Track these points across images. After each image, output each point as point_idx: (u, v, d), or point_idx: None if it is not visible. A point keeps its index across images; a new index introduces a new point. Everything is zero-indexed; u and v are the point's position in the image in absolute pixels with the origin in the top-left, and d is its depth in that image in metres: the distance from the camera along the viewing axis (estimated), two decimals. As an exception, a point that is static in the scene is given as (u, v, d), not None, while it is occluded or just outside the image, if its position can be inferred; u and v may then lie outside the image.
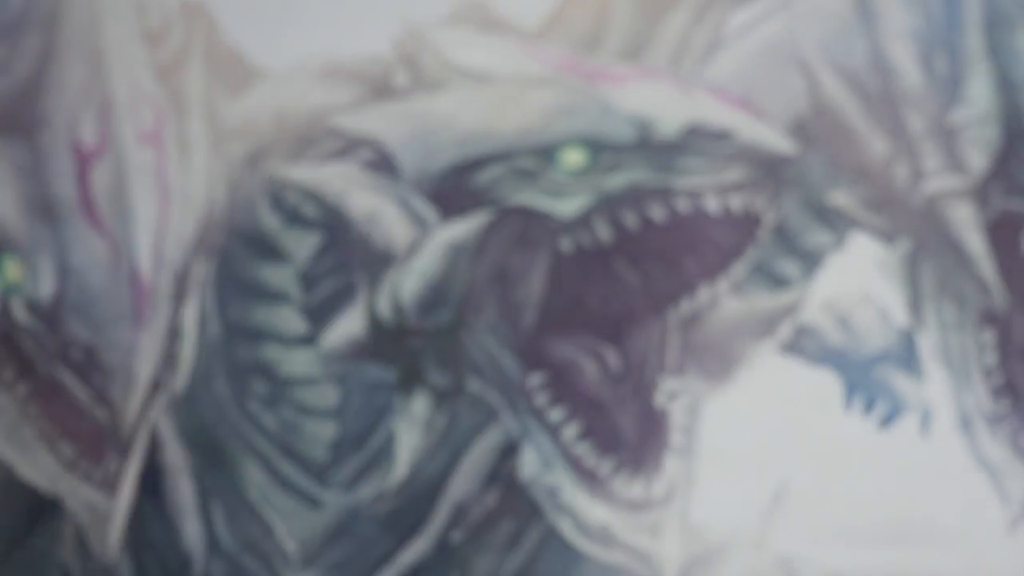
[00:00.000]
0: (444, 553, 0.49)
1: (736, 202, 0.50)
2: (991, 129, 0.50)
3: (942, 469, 0.49)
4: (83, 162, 0.49)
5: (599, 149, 0.48)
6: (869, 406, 0.49)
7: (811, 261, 0.50)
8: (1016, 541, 0.49)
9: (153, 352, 0.49)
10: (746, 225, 0.49)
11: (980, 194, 0.50)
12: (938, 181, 0.50)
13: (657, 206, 0.49)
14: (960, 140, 0.50)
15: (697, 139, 0.50)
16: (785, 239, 0.50)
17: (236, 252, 0.49)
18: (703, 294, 0.49)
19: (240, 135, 0.49)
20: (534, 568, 0.48)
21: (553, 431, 0.48)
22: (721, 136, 0.50)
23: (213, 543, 0.50)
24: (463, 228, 0.48)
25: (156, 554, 0.50)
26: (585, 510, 0.47)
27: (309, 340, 0.49)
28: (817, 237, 0.50)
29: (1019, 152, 0.50)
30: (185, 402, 0.49)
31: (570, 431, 0.48)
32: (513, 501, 0.48)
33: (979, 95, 0.50)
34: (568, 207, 0.48)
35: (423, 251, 0.48)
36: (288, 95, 0.49)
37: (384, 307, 0.48)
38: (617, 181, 0.48)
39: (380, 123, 0.48)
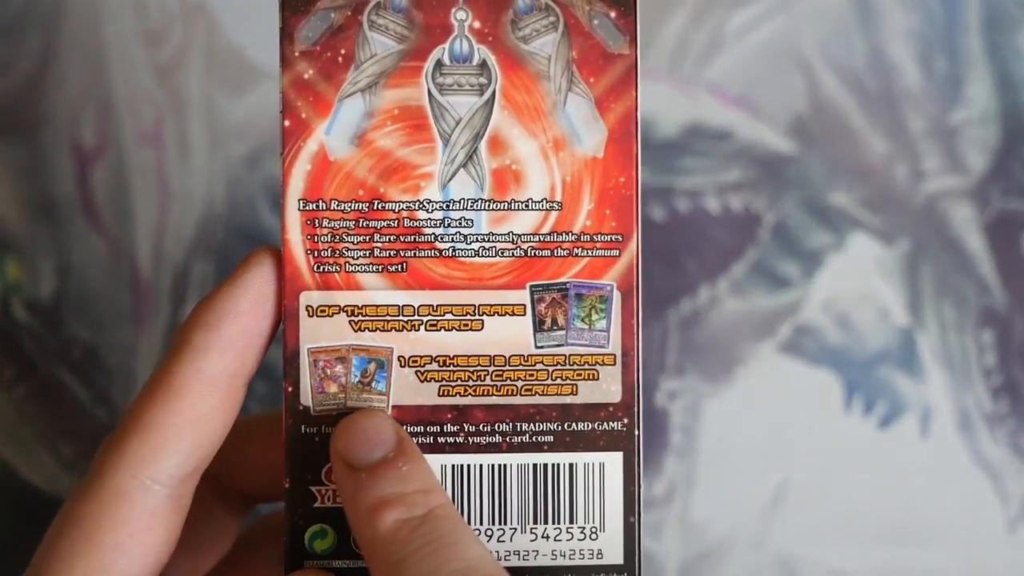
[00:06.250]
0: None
1: (736, 202, 0.50)
2: (991, 129, 0.50)
3: (942, 469, 0.49)
4: (83, 162, 0.48)
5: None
6: (869, 406, 0.49)
7: (811, 261, 0.50)
8: (1016, 541, 0.49)
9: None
10: (746, 225, 0.50)
11: (980, 194, 0.50)
12: (938, 181, 0.50)
13: (657, 206, 0.49)
14: (960, 140, 0.50)
15: (697, 139, 0.50)
16: (785, 239, 0.50)
17: (236, 252, 0.49)
18: (703, 294, 0.50)
19: (240, 135, 0.49)
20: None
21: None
22: (721, 136, 0.50)
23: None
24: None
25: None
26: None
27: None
28: (817, 237, 0.50)
29: (1019, 152, 0.50)
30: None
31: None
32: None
33: (979, 95, 0.50)
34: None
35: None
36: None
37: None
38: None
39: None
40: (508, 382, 0.33)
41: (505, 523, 0.33)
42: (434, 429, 0.33)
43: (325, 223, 0.32)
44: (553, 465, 0.33)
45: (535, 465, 0.33)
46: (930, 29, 0.50)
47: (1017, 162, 0.50)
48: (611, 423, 0.33)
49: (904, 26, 0.50)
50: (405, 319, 0.32)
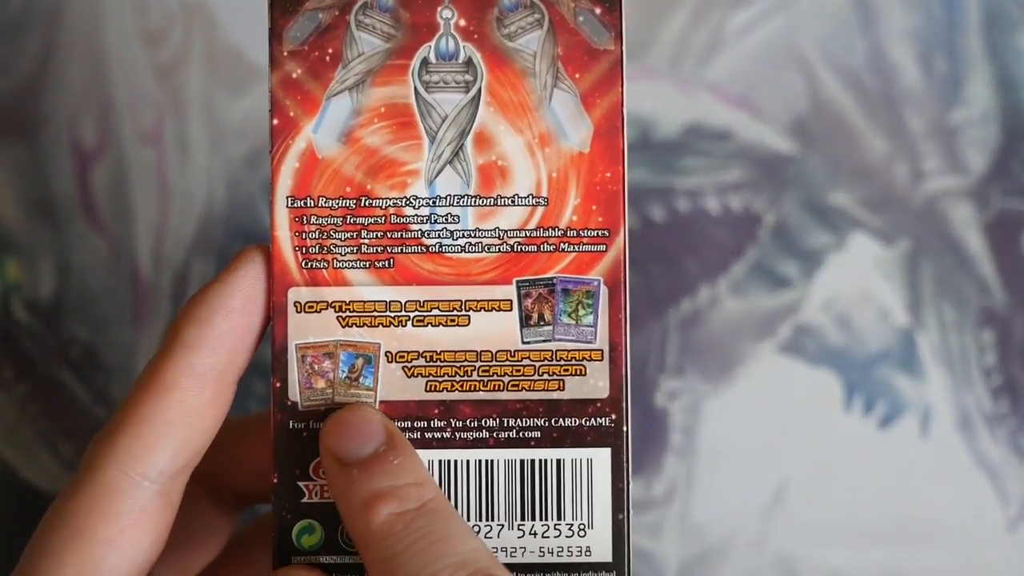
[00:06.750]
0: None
1: (736, 202, 0.50)
2: (991, 129, 0.50)
3: (942, 469, 0.49)
4: (83, 162, 0.49)
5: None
6: (869, 406, 0.49)
7: (811, 261, 0.50)
8: (1016, 541, 0.49)
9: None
10: (746, 225, 0.50)
11: (980, 194, 0.50)
12: (938, 181, 0.50)
13: (657, 206, 0.49)
14: (960, 140, 0.50)
15: (697, 139, 0.50)
16: (785, 239, 0.50)
17: (236, 252, 0.49)
18: (703, 294, 0.50)
19: (240, 135, 0.49)
20: (533, 568, 0.48)
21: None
22: (721, 136, 0.50)
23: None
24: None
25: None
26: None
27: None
28: (817, 237, 0.50)
29: (1019, 152, 0.50)
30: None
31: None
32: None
33: (979, 95, 0.50)
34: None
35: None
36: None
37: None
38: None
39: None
40: (495, 377, 0.33)
41: (492, 519, 0.33)
42: (421, 424, 0.33)
43: (313, 220, 0.33)
44: (540, 461, 0.33)
45: (522, 461, 0.33)
46: (930, 29, 0.50)
47: (1017, 162, 0.50)
48: (599, 419, 0.33)
49: (904, 26, 0.50)
50: (392, 315, 0.33)
